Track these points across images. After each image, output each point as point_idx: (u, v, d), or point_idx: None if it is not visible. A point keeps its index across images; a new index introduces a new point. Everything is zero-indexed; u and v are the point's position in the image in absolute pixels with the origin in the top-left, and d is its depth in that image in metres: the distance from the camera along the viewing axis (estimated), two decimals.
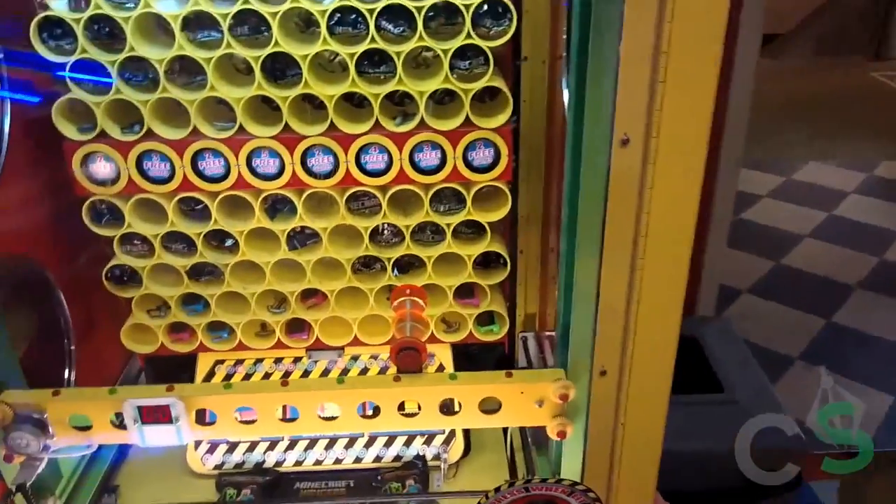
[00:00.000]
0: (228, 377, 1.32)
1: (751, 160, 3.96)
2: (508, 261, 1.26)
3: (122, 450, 1.34)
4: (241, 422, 0.99)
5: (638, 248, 0.71)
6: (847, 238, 3.39)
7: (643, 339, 0.78)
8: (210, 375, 1.33)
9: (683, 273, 0.72)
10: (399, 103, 1.17)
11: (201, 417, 1.00)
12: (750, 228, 3.47)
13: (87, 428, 0.96)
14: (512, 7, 1.04)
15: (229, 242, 1.21)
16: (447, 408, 0.99)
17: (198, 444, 1.29)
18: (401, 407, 0.99)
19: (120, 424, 0.95)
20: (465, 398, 0.96)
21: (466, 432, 1.34)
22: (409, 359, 0.97)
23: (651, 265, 0.72)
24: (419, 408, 0.99)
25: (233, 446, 1.29)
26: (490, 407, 0.97)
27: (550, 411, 0.95)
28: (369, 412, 1.01)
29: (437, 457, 1.31)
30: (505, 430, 1.37)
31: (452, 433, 1.32)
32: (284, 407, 1.01)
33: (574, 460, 0.99)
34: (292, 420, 0.99)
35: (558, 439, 0.96)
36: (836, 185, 3.90)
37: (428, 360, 1.35)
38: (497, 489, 0.80)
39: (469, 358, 1.43)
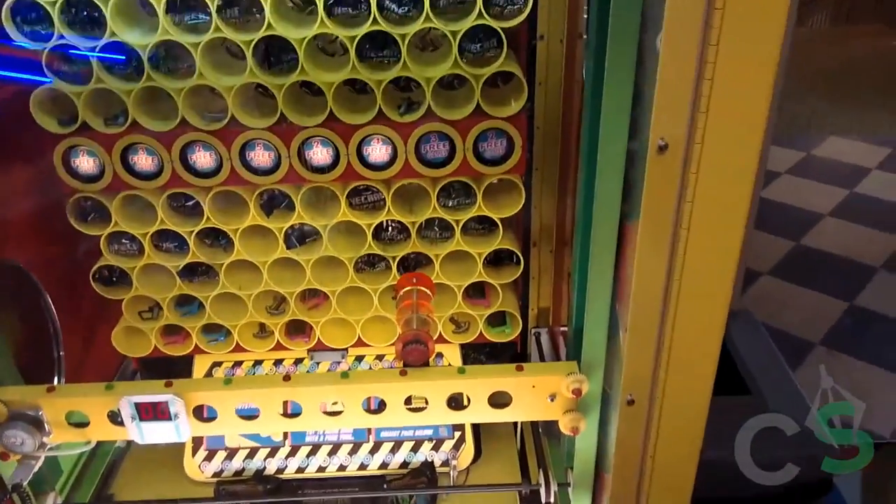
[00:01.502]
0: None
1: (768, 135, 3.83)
2: (521, 259, 1.18)
3: (120, 452, 1.29)
4: (243, 417, 0.94)
5: (673, 272, 0.63)
6: (870, 217, 3.26)
7: (677, 368, 0.69)
8: (207, 377, 1.26)
9: (726, 297, 0.64)
10: (405, 88, 1.08)
11: (199, 415, 0.95)
12: (769, 207, 3.36)
13: (85, 425, 0.93)
14: None
15: (223, 241, 1.14)
16: (456, 402, 0.95)
17: (195, 449, 1.24)
18: (407, 402, 0.95)
19: (118, 421, 0.92)
20: (475, 392, 0.93)
21: (477, 437, 1.28)
22: (415, 353, 0.93)
23: (688, 288, 0.64)
24: (426, 403, 0.94)
25: (232, 453, 1.23)
26: (500, 401, 0.93)
27: (563, 406, 0.92)
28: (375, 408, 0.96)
29: (445, 462, 1.24)
30: (516, 431, 1.31)
31: (462, 438, 1.25)
32: (286, 404, 0.95)
33: (587, 455, 0.96)
34: (295, 415, 0.95)
35: (571, 435, 0.93)
36: (858, 161, 3.76)
37: (436, 360, 1.28)
38: None
39: (479, 356, 1.35)
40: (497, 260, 1.21)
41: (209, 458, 1.24)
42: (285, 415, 0.93)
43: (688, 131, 0.56)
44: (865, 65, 4.84)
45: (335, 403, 0.94)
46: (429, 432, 1.26)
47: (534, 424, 1.28)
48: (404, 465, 1.25)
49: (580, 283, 0.87)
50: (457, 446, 1.25)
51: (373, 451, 1.25)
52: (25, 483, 0.94)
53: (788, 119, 4.15)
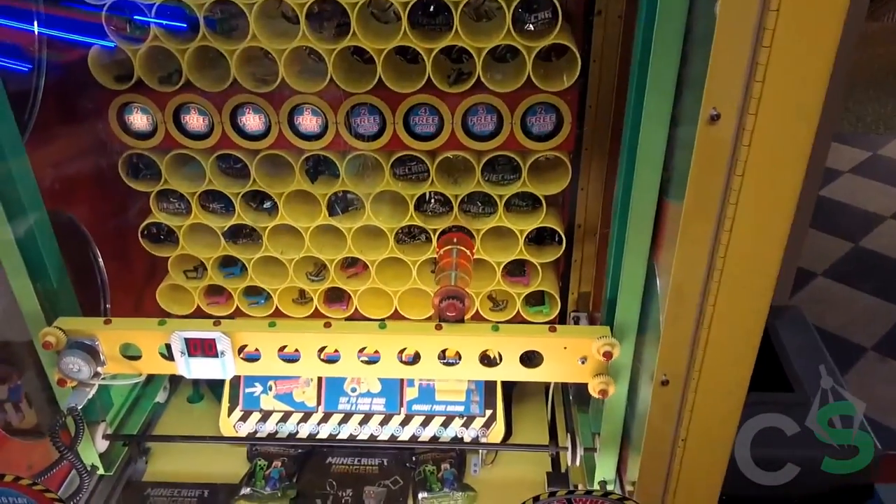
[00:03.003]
0: None
1: (834, 132, 3.69)
2: (564, 238, 1.16)
3: (159, 409, 1.33)
4: (284, 359, 0.99)
5: (717, 250, 0.60)
6: None
7: (716, 350, 0.67)
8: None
9: (772, 278, 0.61)
10: (456, 60, 1.07)
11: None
12: (829, 207, 3.24)
13: (137, 358, 0.99)
14: None
15: (268, 204, 1.15)
16: (488, 359, 0.99)
17: (231, 409, 1.26)
18: (442, 357, 0.98)
19: (168, 356, 0.98)
20: (507, 350, 0.96)
21: (508, 417, 1.27)
22: (452, 308, 0.95)
23: (733, 267, 0.61)
24: (459, 357, 0.98)
25: (266, 415, 1.26)
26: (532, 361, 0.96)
27: (593, 369, 0.95)
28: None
29: (475, 440, 1.24)
30: (547, 405, 1.31)
31: (493, 417, 1.25)
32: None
33: (615, 421, 0.98)
34: (333, 361, 1.00)
35: (600, 398, 0.95)
36: None
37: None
38: (536, 498, 0.73)
39: None
40: (539, 239, 1.19)
41: (244, 418, 1.26)
42: (324, 360, 0.98)
43: (742, 101, 0.53)
44: None
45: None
46: (460, 409, 1.26)
47: (565, 397, 1.28)
48: (434, 439, 1.25)
49: (617, 253, 0.88)
50: (487, 424, 1.25)
51: (403, 423, 1.25)
52: (80, 407, 1.00)
53: (854, 116, 3.99)
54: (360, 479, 1.21)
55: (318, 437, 1.25)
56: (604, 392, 0.93)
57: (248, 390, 1.27)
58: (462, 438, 1.25)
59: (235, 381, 1.27)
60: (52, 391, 1.04)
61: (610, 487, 1.03)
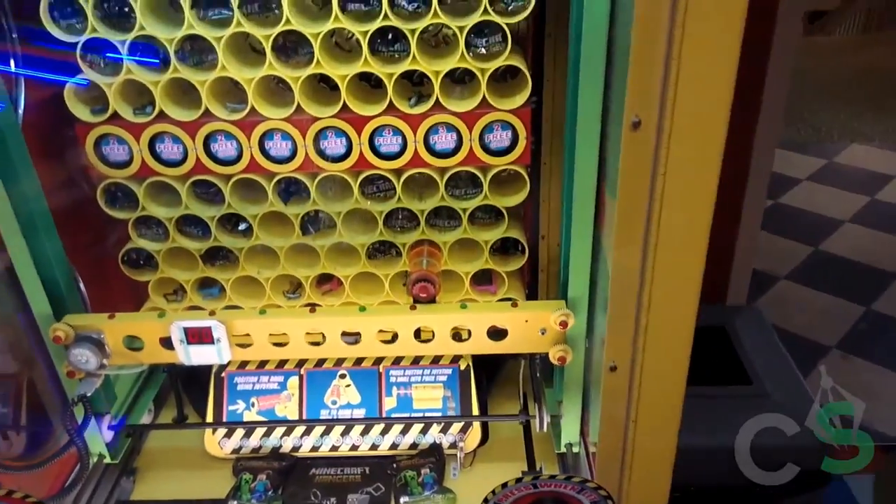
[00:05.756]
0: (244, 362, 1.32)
1: (790, 142, 3.85)
2: (527, 247, 1.22)
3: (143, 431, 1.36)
4: (274, 344, 1.10)
5: (650, 241, 0.67)
6: (889, 223, 3.26)
7: (656, 335, 0.74)
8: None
9: (699, 268, 0.68)
10: (418, 83, 1.13)
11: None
12: (788, 213, 3.36)
13: (139, 349, 1.09)
14: None
15: (243, 226, 1.20)
16: (458, 337, 1.10)
17: (215, 428, 1.30)
18: (417, 337, 1.10)
19: (168, 345, 1.08)
20: (475, 326, 1.07)
21: (484, 421, 1.32)
22: (424, 290, 1.08)
23: (664, 258, 0.68)
24: (433, 336, 1.09)
25: (250, 431, 1.29)
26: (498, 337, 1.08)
27: (552, 339, 1.06)
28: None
29: (453, 445, 1.29)
30: (519, 392, 1.37)
31: (470, 421, 1.29)
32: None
33: (575, 386, 1.11)
34: (318, 344, 1.10)
35: (559, 364, 1.06)
36: (880, 169, 3.75)
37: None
38: (504, 485, 0.78)
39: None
40: (504, 248, 1.25)
41: (228, 435, 1.30)
42: (311, 343, 1.09)
43: (659, 108, 0.60)
44: (890, 72, 4.80)
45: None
46: (438, 414, 1.30)
47: (532, 374, 1.36)
48: (413, 446, 1.30)
49: (566, 244, 1.00)
50: (464, 429, 1.30)
51: (384, 432, 1.30)
52: (89, 394, 1.08)
53: (810, 127, 4.15)
54: (343, 487, 1.25)
55: (302, 449, 1.29)
56: (562, 359, 1.04)
57: (231, 408, 1.30)
58: (441, 444, 1.29)
59: (219, 399, 1.31)
60: (41, 420, 1.09)
61: (575, 450, 1.15)
